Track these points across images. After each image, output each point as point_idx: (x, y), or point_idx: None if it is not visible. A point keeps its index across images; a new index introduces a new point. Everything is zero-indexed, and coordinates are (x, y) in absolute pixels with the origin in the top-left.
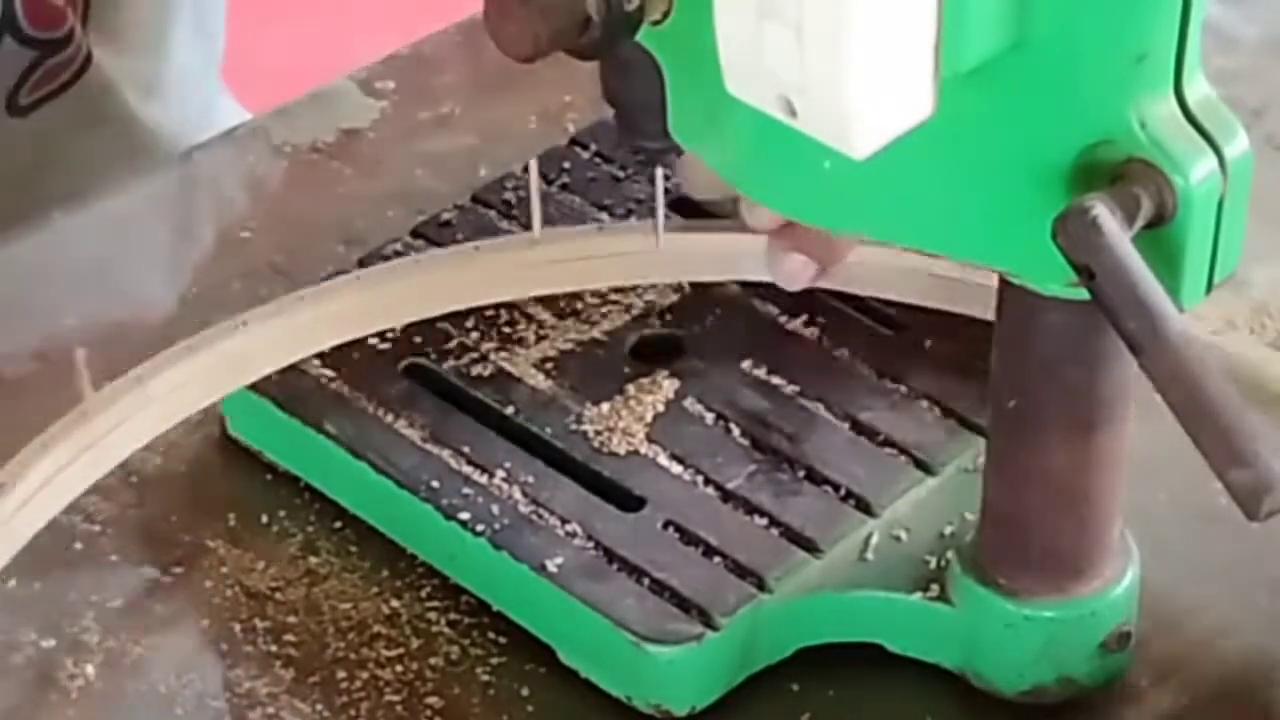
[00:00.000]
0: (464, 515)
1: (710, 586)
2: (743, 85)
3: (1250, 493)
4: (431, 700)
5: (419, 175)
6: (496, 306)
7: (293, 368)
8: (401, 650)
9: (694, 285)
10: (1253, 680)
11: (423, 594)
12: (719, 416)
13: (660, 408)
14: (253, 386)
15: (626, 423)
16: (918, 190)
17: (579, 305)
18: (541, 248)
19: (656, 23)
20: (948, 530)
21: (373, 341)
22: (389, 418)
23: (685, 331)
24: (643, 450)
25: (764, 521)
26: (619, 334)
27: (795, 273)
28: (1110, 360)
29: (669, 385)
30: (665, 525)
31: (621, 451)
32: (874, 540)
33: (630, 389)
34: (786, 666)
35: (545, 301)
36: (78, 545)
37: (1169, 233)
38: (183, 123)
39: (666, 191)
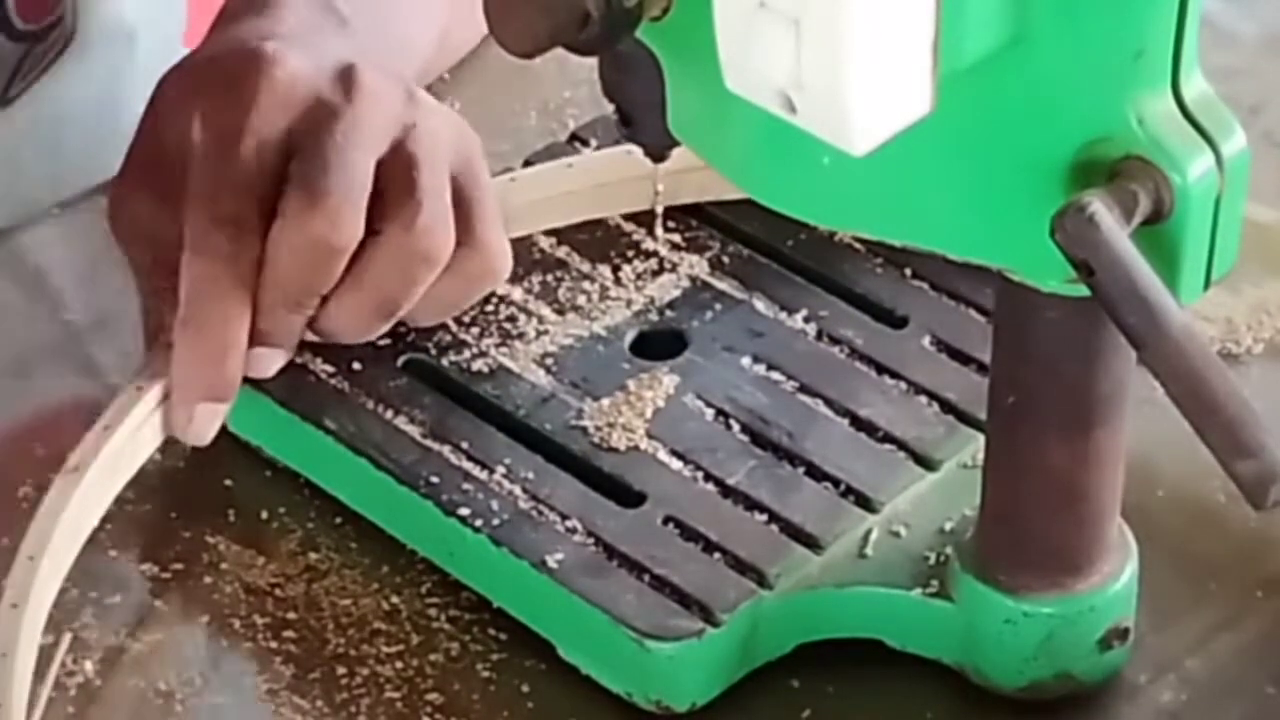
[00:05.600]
0: (464, 511)
1: (710, 582)
2: (742, 81)
3: (1257, 483)
4: (432, 697)
5: None
6: (496, 303)
7: (292, 364)
8: (401, 646)
9: (694, 281)
10: (1251, 676)
11: (423, 590)
12: (719, 412)
13: (660, 403)
14: (252, 383)
15: (626, 418)
16: (916, 187)
17: (579, 301)
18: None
19: (656, 19)
20: (947, 526)
21: (372, 337)
22: (388, 414)
23: (685, 327)
24: (643, 446)
25: (764, 517)
26: (619, 330)
27: (201, 430)
28: (1108, 357)
29: (669, 381)
30: (665, 521)
31: (621, 447)
32: (874, 536)
33: (630, 385)
34: (787, 662)
35: (545, 297)
36: None
37: (1166, 230)
38: (158, 71)
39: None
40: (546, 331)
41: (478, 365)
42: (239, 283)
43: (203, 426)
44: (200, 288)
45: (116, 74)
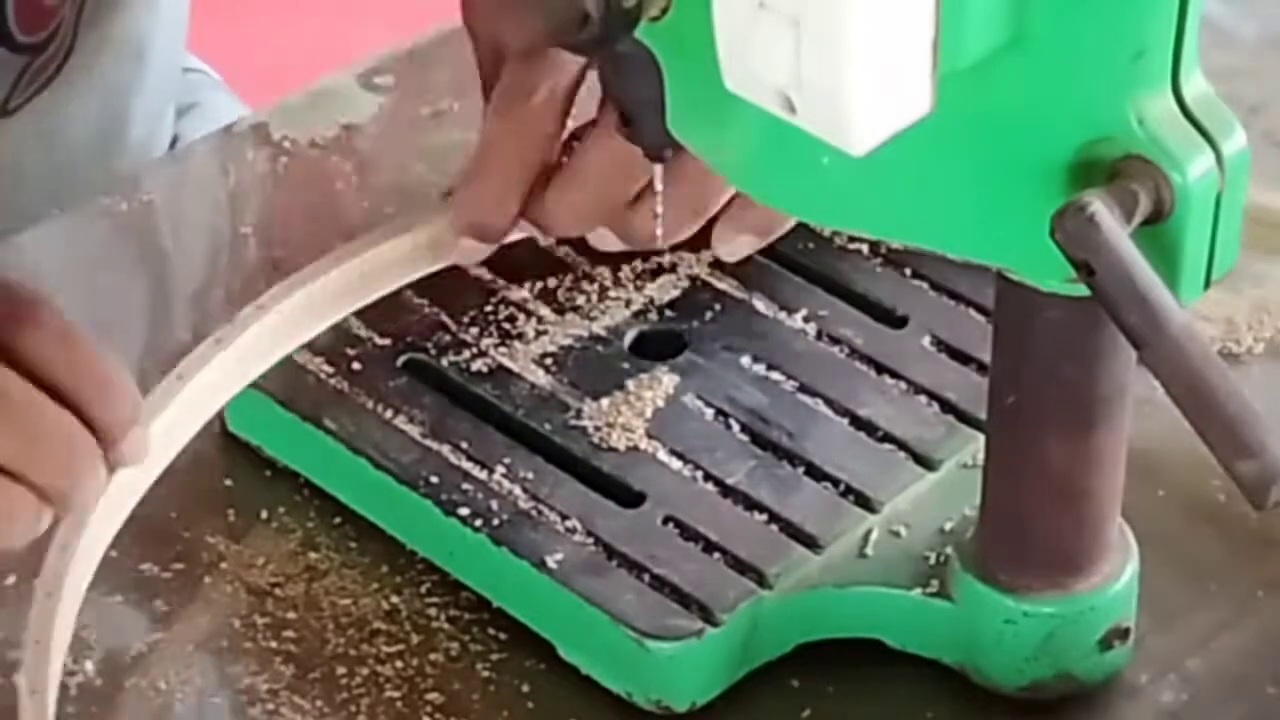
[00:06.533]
0: (463, 511)
1: (710, 582)
2: (741, 81)
3: (1258, 482)
4: (431, 696)
5: (418, 171)
6: (496, 303)
7: (292, 363)
8: (401, 646)
9: (694, 281)
10: (1251, 676)
11: (422, 590)
12: (719, 412)
13: (660, 403)
14: (252, 383)
15: (626, 418)
16: (916, 187)
17: (579, 301)
18: None
19: (655, 19)
20: (947, 526)
21: (372, 337)
22: (388, 413)
23: (685, 327)
24: (642, 446)
25: (764, 517)
26: (618, 330)
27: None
28: (1108, 357)
29: (669, 381)
30: (665, 521)
31: (621, 447)
32: (874, 536)
33: (630, 385)
34: (786, 662)
35: (545, 297)
36: None
37: (1167, 229)
38: (163, 85)
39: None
40: (546, 331)
41: (477, 365)
42: (525, 153)
43: (469, 251)
44: (491, 142)
45: (120, 87)
